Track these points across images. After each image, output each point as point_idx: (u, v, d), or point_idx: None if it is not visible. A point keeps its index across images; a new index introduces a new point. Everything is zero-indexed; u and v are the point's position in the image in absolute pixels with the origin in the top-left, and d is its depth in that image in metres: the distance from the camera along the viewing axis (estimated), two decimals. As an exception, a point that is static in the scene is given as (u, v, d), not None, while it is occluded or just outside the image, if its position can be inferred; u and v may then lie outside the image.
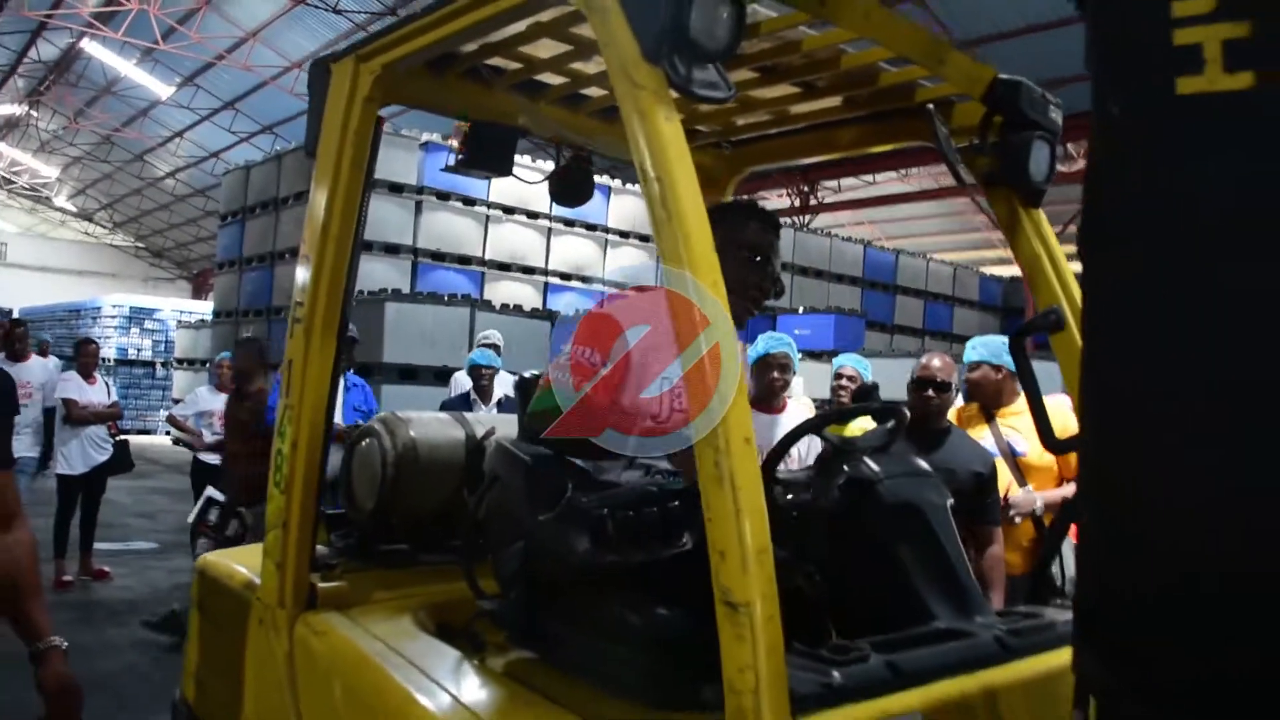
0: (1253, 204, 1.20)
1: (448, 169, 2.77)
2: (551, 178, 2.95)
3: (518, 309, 12.11)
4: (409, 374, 10.53)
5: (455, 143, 2.76)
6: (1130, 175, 1.40)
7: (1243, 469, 1.09)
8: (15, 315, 9.99)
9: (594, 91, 2.66)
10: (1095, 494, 1.29)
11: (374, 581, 2.60)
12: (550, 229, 14.86)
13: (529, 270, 14.68)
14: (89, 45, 23.56)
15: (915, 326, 19.11)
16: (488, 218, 13.94)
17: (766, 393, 4.46)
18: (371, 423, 2.93)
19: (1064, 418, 4.25)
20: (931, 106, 2.41)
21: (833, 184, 22.02)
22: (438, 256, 13.37)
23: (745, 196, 2.50)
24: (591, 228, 15.31)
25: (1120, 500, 1.24)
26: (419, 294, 11.33)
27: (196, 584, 3.05)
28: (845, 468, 2.07)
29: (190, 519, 6.28)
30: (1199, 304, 1.21)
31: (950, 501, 2.11)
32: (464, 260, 13.66)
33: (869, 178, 21.05)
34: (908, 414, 2.23)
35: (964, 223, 24.35)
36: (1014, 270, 23.34)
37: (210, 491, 6.28)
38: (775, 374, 4.47)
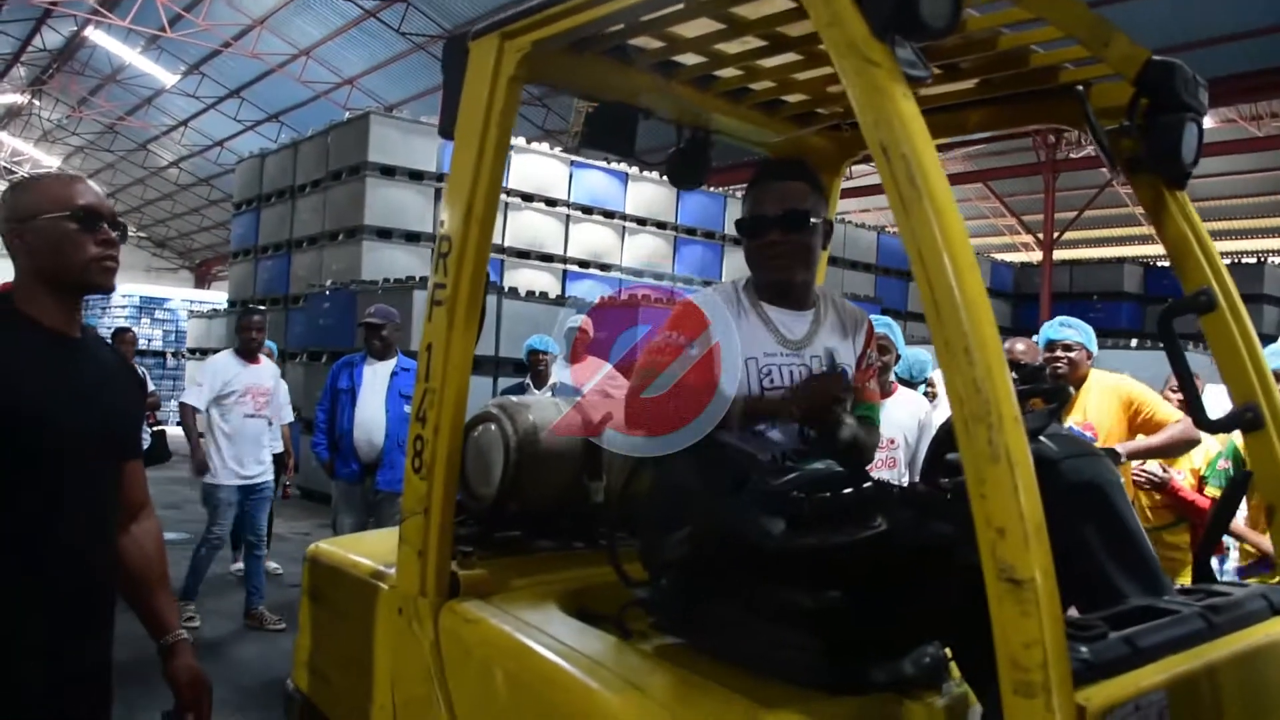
0: None
1: (572, 148, 2.74)
2: (670, 158, 2.92)
3: (543, 296, 12.09)
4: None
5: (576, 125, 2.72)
6: None
7: None
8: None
9: (728, 72, 2.63)
10: None
11: (506, 569, 2.58)
12: (569, 216, 14.84)
13: (547, 258, 14.66)
14: (94, 33, 23.41)
15: (929, 313, 19.09)
16: (506, 205, 13.90)
17: None
18: (488, 408, 2.91)
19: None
20: (1082, 89, 2.38)
21: (842, 170, 21.94)
22: (457, 244, 13.34)
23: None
24: (609, 215, 15.30)
25: None
26: (444, 282, 11.28)
27: (308, 572, 3.02)
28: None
29: None
30: None
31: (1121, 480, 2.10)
32: (484, 248, 13.62)
33: (879, 164, 20.99)
34: (1071, 392, 2.22)
35: (972, 209, 24.31)
36: (1024, 256, 23.35)
37: None
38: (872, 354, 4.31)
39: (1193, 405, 2.27)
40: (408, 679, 2.44)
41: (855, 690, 1.92)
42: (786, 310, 2.37)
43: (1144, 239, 24.51)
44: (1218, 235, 21.07)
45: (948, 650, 2.05)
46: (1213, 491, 4.55)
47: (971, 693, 2.00)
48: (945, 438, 2.12)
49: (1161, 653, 1.58)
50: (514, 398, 3.06)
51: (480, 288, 2.43)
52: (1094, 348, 4.48)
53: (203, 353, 18.63)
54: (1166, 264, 18.74)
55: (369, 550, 2.89)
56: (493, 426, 2.83)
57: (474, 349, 2.46)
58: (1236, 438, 4.41)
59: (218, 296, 23.11)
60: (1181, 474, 4.77)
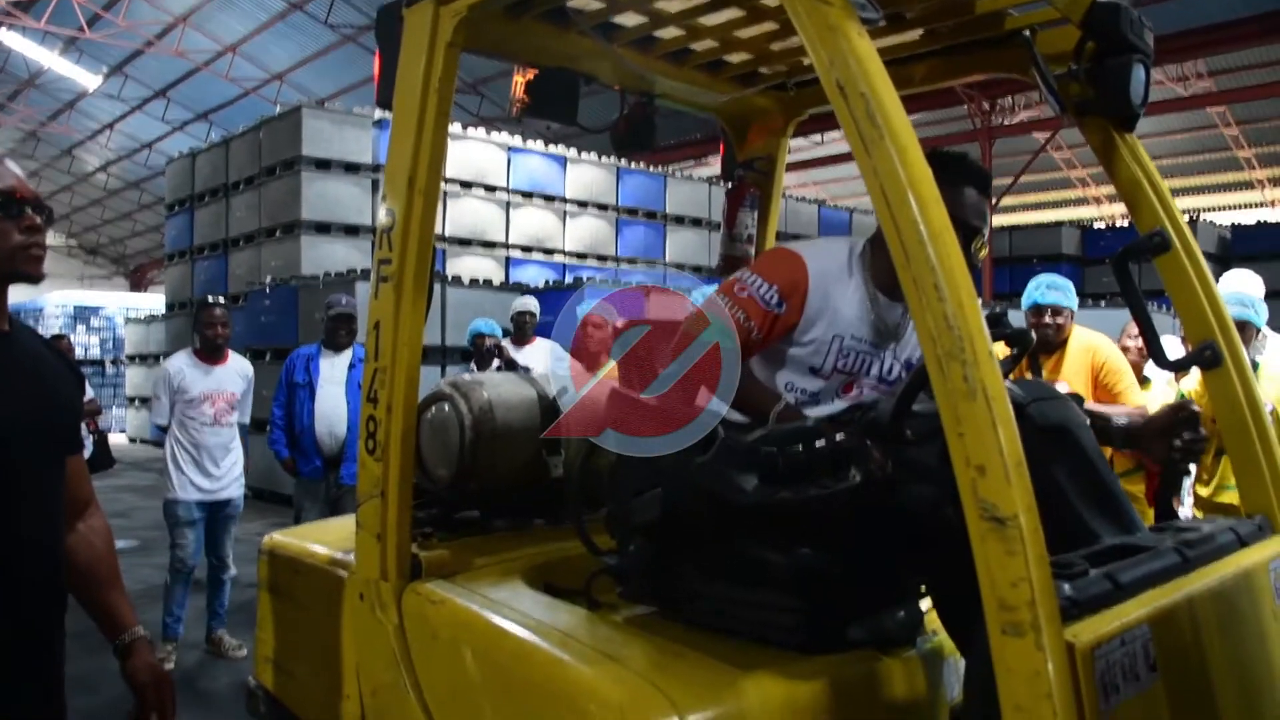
0: None
1: (513, 117, 2.67)
2: (615, 125, 2.87)
3: (488, 283, 11.97)
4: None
5: (518, 91, 2.66)
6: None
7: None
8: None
9: (668, 32, 2.58)
10: None
11: (468, 549, 2.53)
12: (509, 202, 14.72)
13: (489, 244, 14.52)
14: (7, 36, 22.69)
15: (872, 283, 19.24)
16: (446, 193, 13.72)
17: None
18: (440, 388, 2.84)
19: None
20: (1028, 34, 2.36)
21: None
22: (398, 235, 13.12)
23: (946, 149, 2.23)
24: (550, 199, 15.19)
25: None
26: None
27: (265, 566, 2.94)
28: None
29: None
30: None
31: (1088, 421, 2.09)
32: (425, 238, 13.45)
33: (817, 137, 21.09)
34: (1034, 337, 2.20)
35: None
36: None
37: None
38: None
39: (1152, 346, 2.27)
40: (373, 665, 2.38)
41: (832, 649, 1.90)
42: (891, 301, 2.22)
43: (1080, 201, 24.90)
44: (1150, 195, 21.48)
45: (923, 604, 2.04)
46: None
47: (948, 645, 1.99)
48: (909, 391, 2.10)
49: (1141, 587, 1.57)
50: (466, 375, 3.00)
51: (427, 261, 2.36)
52: (1075, 306, 4.40)
53: (142, 359, 18.26)
54: (1103, 225, 18.94)
55: (326, 538, 2.82)
56: (446, 405, 2.77)
57: (424, 324, 2.39)
58: (1184, 385, 4.46)
59: (154, 301, 22.61)
60: None
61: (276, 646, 2.88)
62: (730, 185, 3.09)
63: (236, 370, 5.81)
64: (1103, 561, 1.66)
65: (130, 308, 22.40)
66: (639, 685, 1.80)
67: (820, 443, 1.78)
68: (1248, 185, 22.85)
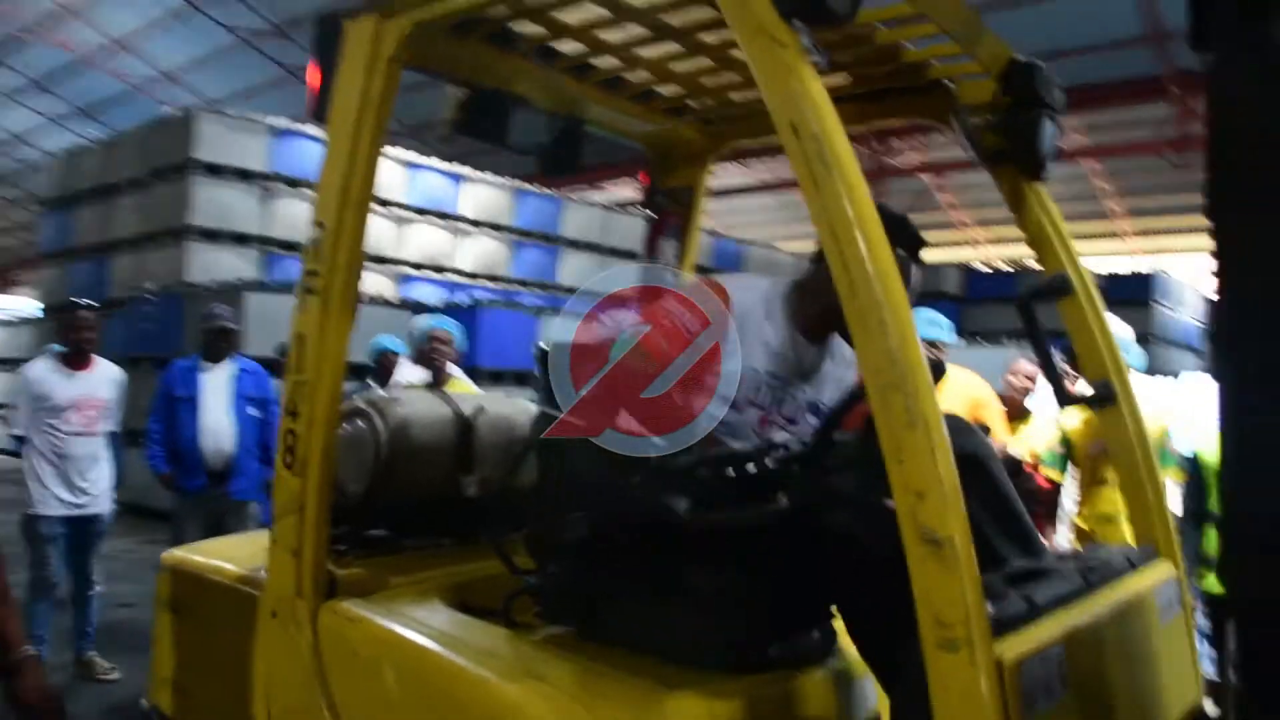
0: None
1: (443, 137, 2.68)
2: (543, 149, 2.89)
3: (384, 301, 11.80)
4: (271, 366, 10.07)
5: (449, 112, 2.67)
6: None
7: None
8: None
9: (605, 61, 2.63)
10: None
11: (383, 567, 2.50)
12: (402, 218, 14.55)
13: (381, 260, 14.30)
14: None
15: (764, 315, 19.55)
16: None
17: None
18: (356, 402, 2.82)
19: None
20: (950, 84, 2.49)
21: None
22: (288, 246, 12.81)
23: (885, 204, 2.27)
24: (444, 216, 15.07)
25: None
26: (279, 283, 10.81)
27: (167, 583, 2.84)
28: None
29: None
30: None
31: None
32: (318, 250, 13.18)
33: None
34: (947, 369, 2.29)
35: (798, 214, 25.01)
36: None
37: None
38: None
39: (1055, 383, 2.39)
40: (285, 685, 2.34)
41: (752, 668, 1.95)
42: (808, 344, 2.27)
43: (962, 243, 25.80)
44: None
45: (835, 625, 2.11)
46: (1048, 472, 4.82)
47: (861, 663, 2.06)
48: (830, 421, 2.16)
49: (1053, 607, 1.66)
50: (381, 392, 2.98)
51: (356, 274, 2.35)
52: (952, 340, 4.67)
53: (12, 363, 17.40)
54: (985, 268, 19.47)
55: (230, 555, 2.76)
56: (361, 421, 2.74)
57: (349, 338, 2.37)
58: (1065, 421, 4.69)
59: (18, 303, 21.60)
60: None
61: (176, 667, 2.79)
62: (653, 214, 3.15)
63: (106, 376, 5.52)
64: (1016, 583, 1.76)
65: (-3, 309, 21.36)
66: (565, 703, 1.83)
67: (751, 468, 1.84)
68: (1114, 234, 24.04)
